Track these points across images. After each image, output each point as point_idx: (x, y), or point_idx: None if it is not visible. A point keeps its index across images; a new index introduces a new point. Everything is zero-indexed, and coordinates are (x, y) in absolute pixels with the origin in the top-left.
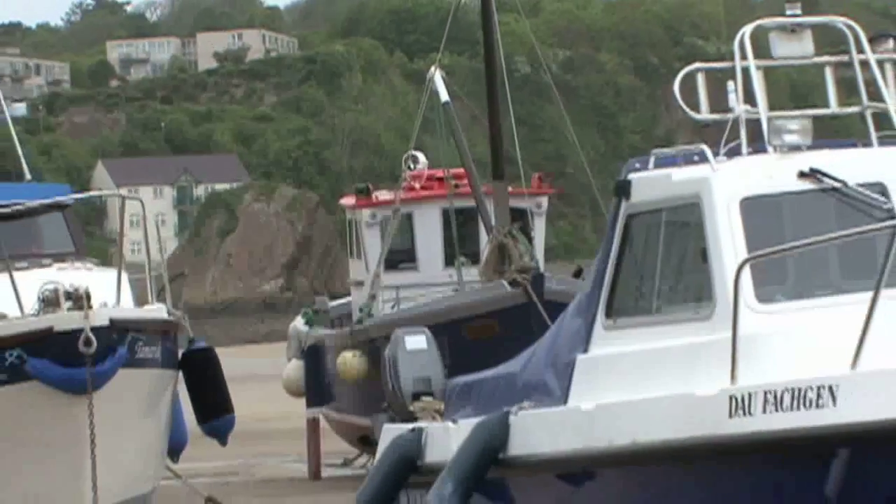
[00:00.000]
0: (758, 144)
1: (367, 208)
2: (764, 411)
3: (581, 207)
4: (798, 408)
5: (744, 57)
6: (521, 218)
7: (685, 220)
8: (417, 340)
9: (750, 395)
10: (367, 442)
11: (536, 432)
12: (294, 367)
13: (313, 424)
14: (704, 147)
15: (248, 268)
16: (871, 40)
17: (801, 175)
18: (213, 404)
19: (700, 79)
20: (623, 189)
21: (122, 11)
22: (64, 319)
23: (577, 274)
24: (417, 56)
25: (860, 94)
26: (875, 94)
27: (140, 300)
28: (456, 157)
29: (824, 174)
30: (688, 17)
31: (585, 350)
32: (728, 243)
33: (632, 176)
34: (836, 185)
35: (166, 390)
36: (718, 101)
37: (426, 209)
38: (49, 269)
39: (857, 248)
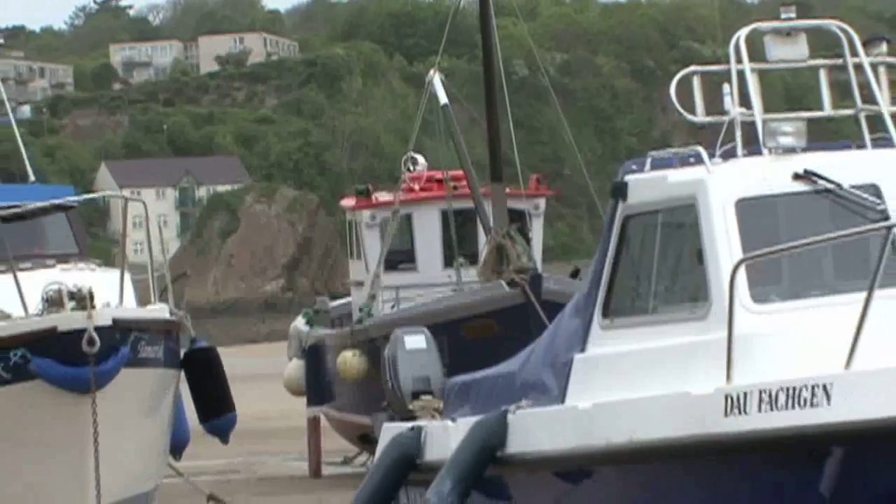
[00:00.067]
0: (753, 146)
1: (367, 209)
2: (759, 410)
3: (578, 209)
4: (793, 407)
5: (739, 60)
6: (519, 219)
7: (681, 222)
8: (417, 340)
9: (745, 394)
10: (367, 440)
11: (534, 431)
12: (295, 367)
13: (314, 423)
14: (700, 149)
15: (249, 268)
16: (864, 44)
17: (796, 177)
18: (214, 403)
19: (696, 82)
20: (620, 191)
21: (124, 15)
22: (67, 319)
23: (575, 274)
24: (417, 59)
25: (854, 96)
26: (868, 97)
27: (143, 300)
28: (455, 159)
29: (819, 176)
30: (684, 21)
31: (583, 349)
32: (723, 244)
33: (628, 178)
34: (831, 186)
35: (168, 389)
36: (714, 104)
37: (425, 210)
38: (53, 270)
39: (851, 249)
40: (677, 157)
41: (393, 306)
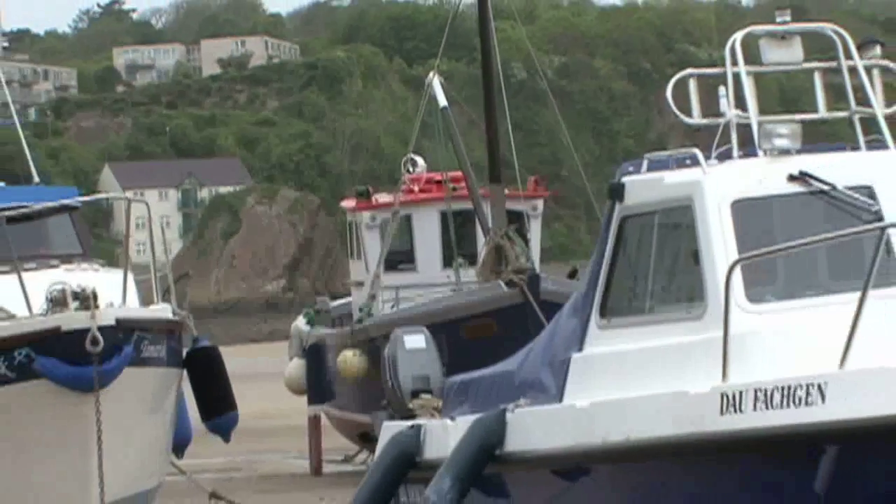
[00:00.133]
0: (748, 148)
1: (367, 211)
2: (754, 409)
3: (576, 210)
4: (788, 405)
5: (735, 63)
6: (517, 220)
7: (677, 222)
8: (416, 339)
9: (741, 393)
10: (367, 438)
11: (532, 429)
12: (296, 366)
13: (314, 421)
14: (696, 151)
15: (250, 268)
16: (858, 47)
17: (791, 178)
18: (216, 402)
19: (692, 84)
20: (617, 192)
21: (128, 19)
22: (71, 319)
23: (572, 275)
24: (416, 62)
25: (848, 99)
26: (863, 100)
27: (146, 300)
28: (454, 160)
29: (813, 177)
30: (680, 25)
31: (580, 349)
32: (719, 245)
33: (625, 179)
34: (825, 188)
35: (171, 388)
36: (710, 106)
37: (425, 211)
38: (57, 270)
39: (846, 250)
40: (674, 158)
41: (393, 306)
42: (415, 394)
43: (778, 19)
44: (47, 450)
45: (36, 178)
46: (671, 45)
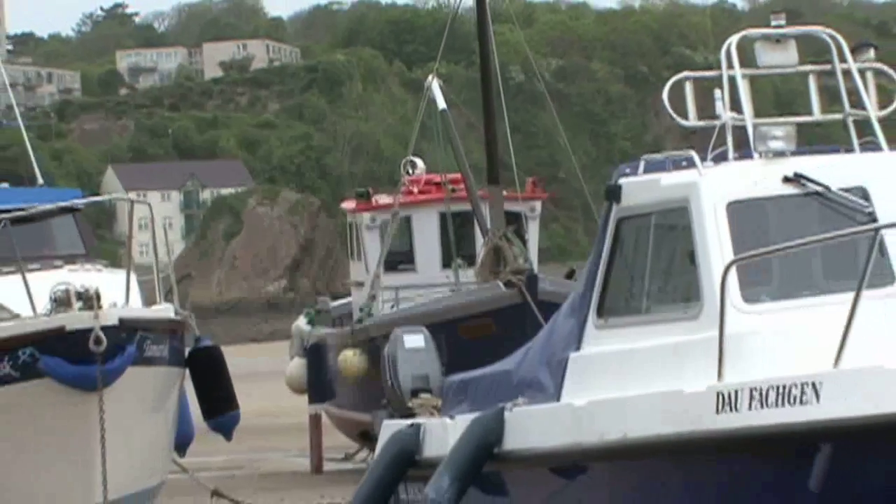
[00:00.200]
0: (744, 150)
1: (367, 212)
2: (749, 407)
3: (573, 211)
4: (782, 404)
5: (730, 66)
6: (515, 221)
7: (674, 223)
8: (416, 339)
9: (736, 392)
10: (367, 437)
11: (530, 428)
12: (297, 365)
13: (315, 420)
14: (692, 153)
15: (252, 269)
16: (852, 50)
17: (786, 180)
18: (218, 401)
19: (688, 87)
20: (614, 193)
21: (130, 22)
22: (75, 319)
23: (570, 275)
24: (416, 65)
25: (842, 101)
26: (856, 102)
27: (148, 300)
28: (453, 162)
29: (808, 179)
30: (676, 28)
31: (578, 348)
32: (715, 245)
33: (622, 181)
34: (820, 189)
35: (173, 387)
36: (706, 109)
37: (424, 213)
38: (60, 271)
39: (840, 251)
40: (670, 160)
41: (392, 306)
42: (414, 393)
43: (773, 23)
44: (51, 448)
45: (40, 180)
46: (667, 48)
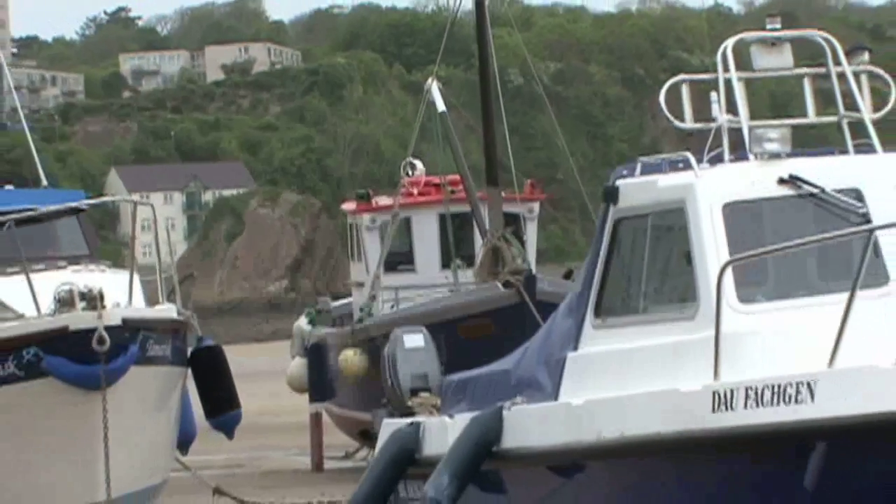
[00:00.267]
0: (740, 152)
1: (368, 213)
2: (745, 407)
3: (571, 212)
4: (778, 403)
5: (726, 69)
6: (514, 222)
7: (670, 225)
8: (415, 339)
9: (732, 391)
10: (367, 436)
11: (529, 426)
12: (298, 365)
13: (316, 419)
14: (689, 155)
15: (253, 270)
16: (847, 53)
17: (781, 181)
18: (220, 400)
19: (684, 90)
20: (611, 195)
21: (133, 26)
22: (78, 319)
23: (568, 276)
24: (415, 68)
25: (837, 104)
26: (851, 105)
27: (151, 300)
28: (452, 164)
29: (803, 181)
30: (673, 31)
31: (575, 348)
32: (711, 246)
33: (619, 182)
34: (815, 191)
35: (176, 386)
36: (702, 111)
37: (424, 214)
38: (64, 271)
39: (834, 251)
40: (667, 162)
41: (392, 306)
42: (414, 392)
43: (768, 26)
44: (55, 447)
45: (44, 182)
46: (664, 51)
